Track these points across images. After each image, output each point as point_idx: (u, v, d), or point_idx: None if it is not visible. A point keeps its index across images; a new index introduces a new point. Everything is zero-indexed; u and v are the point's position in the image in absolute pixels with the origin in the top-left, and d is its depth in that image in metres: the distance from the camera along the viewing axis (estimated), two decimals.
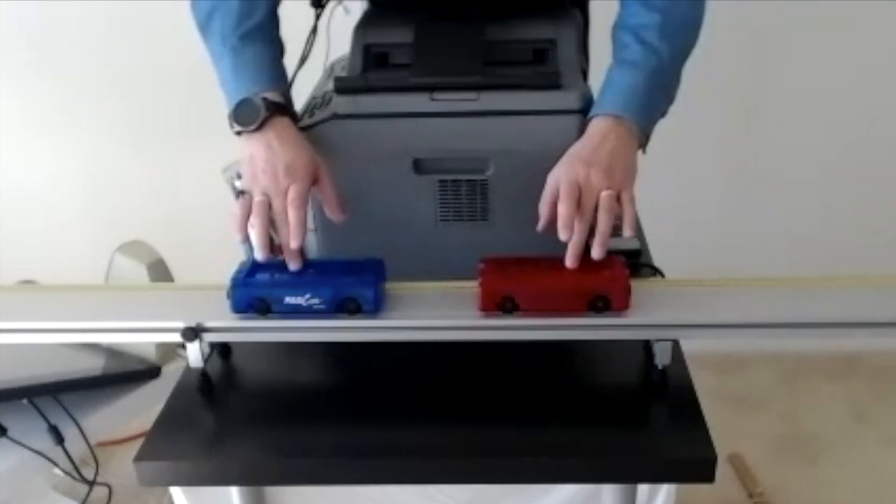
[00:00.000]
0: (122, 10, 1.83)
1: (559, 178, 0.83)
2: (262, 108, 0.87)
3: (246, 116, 0.87)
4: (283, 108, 0.89)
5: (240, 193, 0.85)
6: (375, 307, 0.83)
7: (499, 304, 0.82)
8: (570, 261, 0.82)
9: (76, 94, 1.97)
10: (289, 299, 0.82)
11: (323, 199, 0.88)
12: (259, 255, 0.83)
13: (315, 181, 0.86)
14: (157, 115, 1.92)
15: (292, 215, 0.82)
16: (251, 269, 0.85)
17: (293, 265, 0.84)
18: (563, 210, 0.81)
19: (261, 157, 0.85)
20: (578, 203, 0.81)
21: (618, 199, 0.83)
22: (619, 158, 0.85)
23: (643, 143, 0.90)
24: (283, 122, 0.88)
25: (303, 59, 1.07)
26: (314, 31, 1.07)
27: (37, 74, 1.96)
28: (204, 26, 0.95)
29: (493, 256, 0.86)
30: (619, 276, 0.82)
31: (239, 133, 0.88)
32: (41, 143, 2.06)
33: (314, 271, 0.85)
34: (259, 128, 0.86)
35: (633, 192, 0.85)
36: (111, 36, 1.90)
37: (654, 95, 0.90)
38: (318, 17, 1.07)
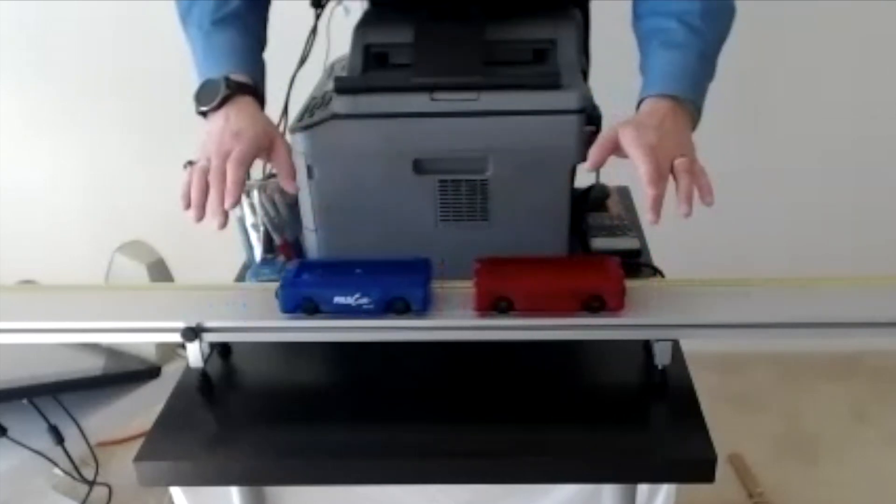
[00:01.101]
0: (122, 9, 1.84)
1: (628, 142, 0.82)
2: (223, 86, 0.87)
3: (207, 95, 0.88)
4: (246, 87, 0.90)
5: (188, 163, 0.85)
6: (424, 307, 0.83)
7: (494, 304, 0.82)
8: (652, 216, 0.79)
9: (76, 94, 1.97)
10: (338, 299, 0.82)
11: (275, 168, 0.88)
12: (192, 215, 0.81)
13: (270, 151, 0.87)
14: (157, 114, 1.92)
15: (229, 172, 0.80)
16: (299, 269, 0.85)
17: (216, 224, 0.81)
18: (648, 168, 0.78)
19: (216, 129, 0.85)
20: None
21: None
22: (683, 132, 0.85)
23: (696, 123, 0.90)
24: (244, 100, 0.88)
25: (303, 59, 1.07)
26: (314, 31, 1.07)
27: (37, 74, 1.96)
28: (184, 16, 0.96)
29: (488, 256, 0.86)
30: (614, 277, 0.82)
31: (203, 114, 0.88)
32: (41, 143, 2.06)
33: (359, 271, 0.85)
34: (219, 106, 0.87)
35: None
36: (111, 36, 1.91)
37: (703, 76, 0.91)
38: (318, 17, 1.07)
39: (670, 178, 0.81)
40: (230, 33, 0.94)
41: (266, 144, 0.86)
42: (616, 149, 0.84)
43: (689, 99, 0.88)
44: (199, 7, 0.95)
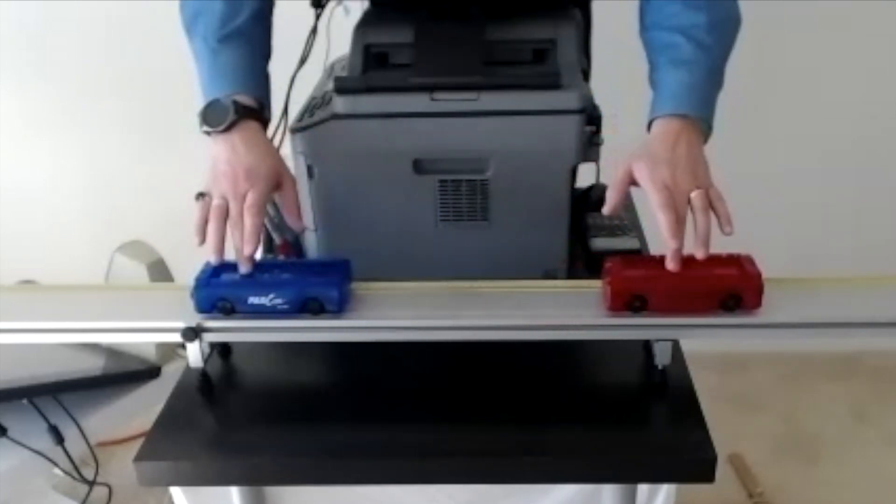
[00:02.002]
0: (122, 10, 1.83)
1: (644, 181, 0.82)
2: (231, 110, 0.87)
3: (214, 117, 0.87)
4: (253, 112, 0.90)
5: (199, 195, 0.85)
6: (339, 307, 0.83)
7: (628, 303, 0.81)
8: (671, 265, 0.80)
9: (76, 94, 1.97)
10: (253, 299, 0.82)
11: (282, 205, 0.88)
12: (212, 259, 0.83)
13: (278, 187, 0.87)
14: (157, 115, 1.92)
15: (248, 222, 0.82)
16: (215, 270, 0.85)
17: (244, 269, 0.84)
18: (667, 218, 0.79)
19: (223, 159, 0.86)
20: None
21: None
22: (696, 156, 0.85)
23: (707, 137, 0.90)
24: (250, 127, 0.88)
25: (303, 59, 1.07)
26: (314, 31, 1.07)
27: (37, 74, 1.96)
28: (189, 27, 0.96)
29: (619, 256, 0.86)
30: (753, 274, 0.81)
31: (207, 133, 0.88)
32: (41, 143, 2.06)
33: (278, 271, 0.85)
34: (226, 130, 0.87)
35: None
36: (111, 36, 1.90)
37: (712, 91, 0.91)
38: (318, 17, 1.07)
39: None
40: (237, 51, 0.94)
41: (277, 182, 0.87)
42: (632, 183, 0.84)
43: (699, 116, 0.88)
44: (204, 19, 0.94)
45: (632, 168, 0.84)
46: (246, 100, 0.90)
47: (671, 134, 0.86)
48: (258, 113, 0.91)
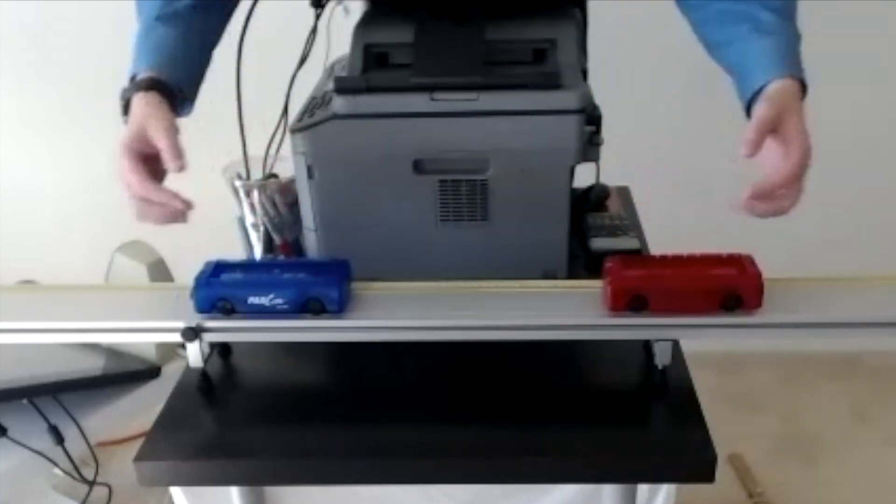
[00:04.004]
0: (122, 10, 1.83)
1: (795, 133, 0.82)
2: (122, 94, 0.91)
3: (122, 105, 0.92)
4: (151, 84, 0.90)
5: None
6: (340, 307, 0.83)
7: (629, 302, 0.81)
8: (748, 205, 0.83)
9: (76, 94, 1.97)
10: (252, 299, 0.82)
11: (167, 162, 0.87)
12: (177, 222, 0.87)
13: (148, 134, 0.87)
14: None
15: (155, 197, 0.85)
16: (215, 270, 0.85)
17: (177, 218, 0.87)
18: (796, 170, 0.81)
19: None
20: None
21: None
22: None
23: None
24: (138, 98, 0.90)
25: (303, 59, 1.07)
26: (314, 31, 1.07)
27: (37, 74, 1.96)
28: (138, 11, 0.97)
29: (619, 255, 0.86)
30: (752, 273, 0.81)
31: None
32: (41, 143, 2.06)
33: (279, 271, 0.85)
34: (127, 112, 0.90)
35: None
36: (111, 36, 1.90)
37: (800, 55, 0.90)
38: (318, 17, 1.07)
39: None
40: (169, 32, 0.94)
41: (144, 142, 0.87)
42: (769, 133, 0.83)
43: (804, 81, 0.87)
44: (149, 1, 0.96)
45: (784, 119, 0.83)
46: (153, 74, 0.91)
47: (795, 95, 0.85)
48: (157, 82, 0.91)
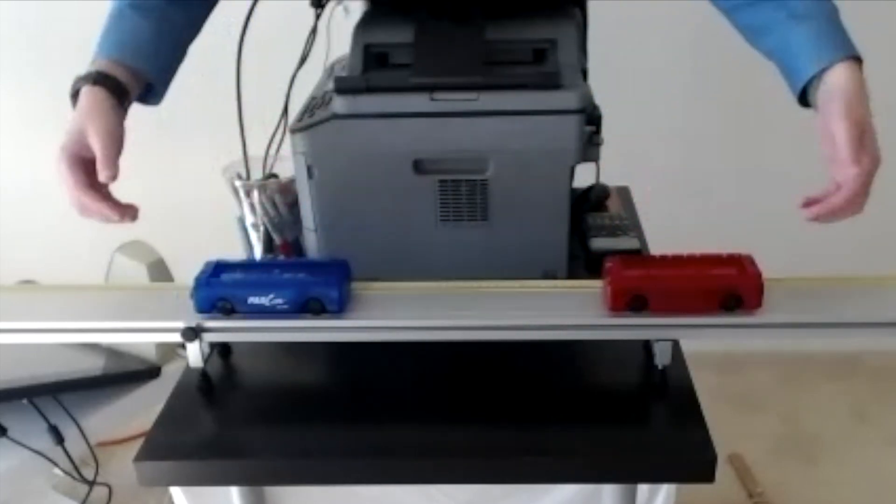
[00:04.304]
0: None
1: (869, 156, 0.83)
2: (70, 92, 0.90)
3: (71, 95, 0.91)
4: (96, 77, 0.89)
5: None
6: (340, 307, 0.83)
7: (629, 302, 0.81)
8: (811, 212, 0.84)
9: None
10: (252, 299, 0.82)
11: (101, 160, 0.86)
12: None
13: (89, 140, 0.87)
14: (156, 114, 1.92)
15: (90, 204, 0.85)
16: (215, 270, 0.85)
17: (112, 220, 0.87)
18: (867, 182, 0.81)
19: None
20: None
21: None
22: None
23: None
24: (82, 94, 0.90)
25: (303, 59, 1.07)
26: (314, 31, 1.07)
27: (37, 74, 1.96)
28: None
29: (619, 255, 0.86)
30: (752, 273, 0.81)
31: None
32: (41, 142, 2.05)
33: (279, 271, 0.85)
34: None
35: None
36: None
37: (842, 28, 0.88)
38: (318, 17, 1.07)
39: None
40: (139, 22, 0.92)
41: (83, 142, 0.86)
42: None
43: (853, 54, 0.86)
44: None
45: (864, 126, 0.83)
46: (110, 66, 0.90)
47: (857, 80, 0.85)
48: (108, 78, 0.90)
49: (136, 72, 0.91)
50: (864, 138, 0.82)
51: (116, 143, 0.86)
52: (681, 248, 0.86)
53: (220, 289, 0.82)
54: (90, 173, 0.86)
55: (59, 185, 0.86)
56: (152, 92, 0.94)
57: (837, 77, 0.85)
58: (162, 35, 0.94)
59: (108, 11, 0.94)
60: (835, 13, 0.88)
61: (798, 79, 0.88)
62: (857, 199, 0.82)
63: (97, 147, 0.85)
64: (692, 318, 0.81)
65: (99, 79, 0.89)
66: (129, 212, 0.86)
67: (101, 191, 0.86)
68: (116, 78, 0.90)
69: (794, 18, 0.87)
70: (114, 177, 0.85)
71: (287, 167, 1.01)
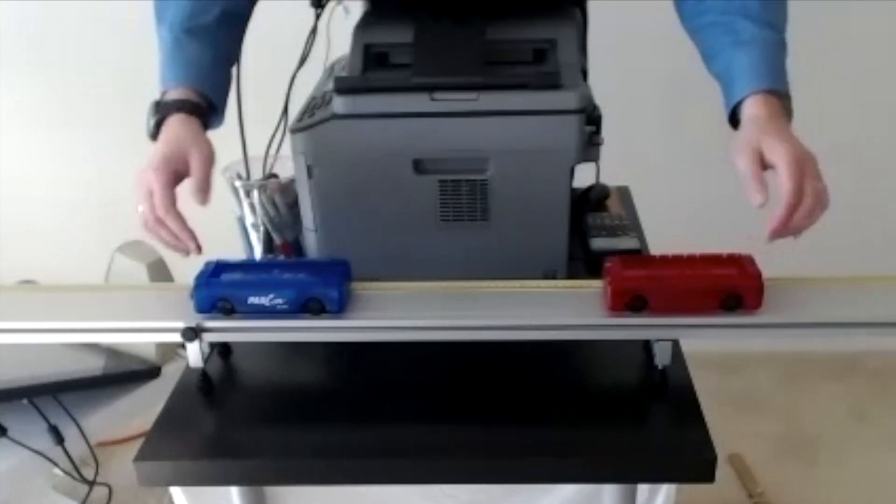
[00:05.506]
0: (122, 10, 1.83)
1: (778, 157, 0.81)
2: (152, 112, 0.91)
3: (148, 124, 0.91)
4: (188, 105, 0.91)
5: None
6: (339, 307, 0.83)
7: (629, 303, 0.81)
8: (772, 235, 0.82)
9: (76, 94, 1.97)
10: (252, 299, 0.82)
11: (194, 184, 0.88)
12: (175, 252, 0.86)
13: (188, 168, 0.87)
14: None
15: (170, 224, 0.85)
16: (215, 270, 0.85)
17: (187, 254, 0.87)
18: (800, 208, 0.81)
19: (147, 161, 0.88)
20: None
21: None
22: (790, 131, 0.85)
23: (790, 113, 0.90)
24: (173, 120, 0.90)
25: (303, 59, 1.07)
26: (314, 31, 1.07)
27: (37, 74, 1.96)
28: (159, 14, 0.97)
29: (619, 255, 0.86)
30: (753, 273, 0.81)
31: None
32: (41, 143, 2.06)
33: (279, 271, 0.85)
34: (157, 133, 0.90)
35: None
36: (111, 36, 1.90)
37: (783, 63, 0.90)
38: (318, 17, 1.07)
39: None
40: (198, 47, 0.95)
41: (181, 164, 0.87)
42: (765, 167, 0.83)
43: (784, 91, 0.88)
44: (174, 8, 0.95)
45: (762, 149, 0.82)
46: (188, 93, 0.91)
47: (772, 111, 0.86)
48: (195, 105, 0.91)
49: (204, 96, 0.94)
50: (766, 150, 0.83)
51: (212, 168, 0.89)
52: (681, 248, 0.86)
53: (220, 289, 0.82)
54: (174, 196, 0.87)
55: (142, 193, 0.86)
56: (214, 114, 0.96)
57: (748, 107, 0.88)
58: (218, 58, 0.97)
59: (162, 42, 0.97)
60: (776, 48, 0.90)
61: (727, 104, 0.90)
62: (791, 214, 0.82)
63: (198, 171, 0.87)
64: (692, 318, 0.81)
65: (185, 106, 0.91)
66: (196, 242, 0.86)
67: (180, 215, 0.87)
68: (199, 104, 0.92)
69: (737, 44, 0.90)
70: (207, 202, 0.87)
71: (287, 167, 1.01)
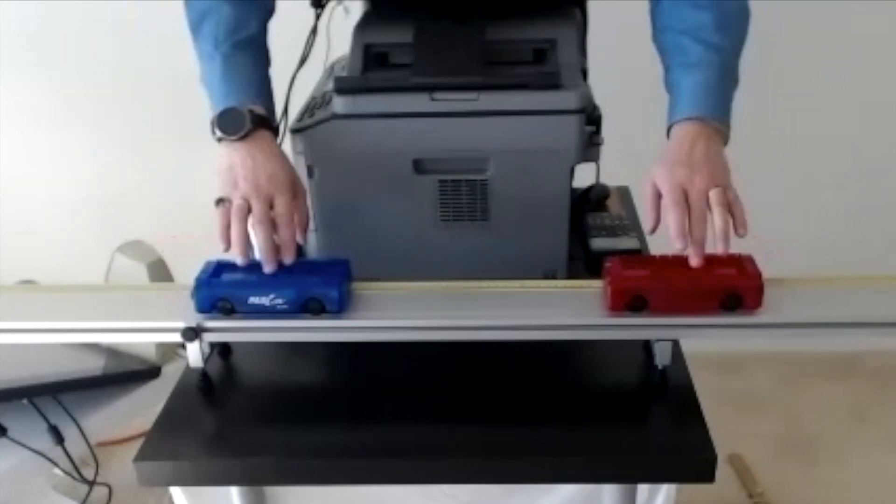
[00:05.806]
0: (122, 10, 1.84)
1: (661, 183, 0.83)
2: (248, 119, 0.87)
3: (231, 125, 0.87)
4: (266, 122, 0.90)
5: (219, 201, 0.85)
6: (340, 307, 0.83)
7: (629, 303, 0.81)
8: (695, 261, 0.81)
9: (77, 94, 1.97)
10: (253, 299, 0.82)
11: (297, 216, 0.87)
12: (239, 261, 0.83)
13: (294, 198, 0.86)
14: (157, 114, 1.92)
15: (283, 233, 0.83)
16: (215, 270, 0.85)
17: (268, 269, 0.83)
18: (674, 218, 0.80)
19: (241, 164, 0.85)
20: (688, 208, 0.81)
21: None
22: (714, 157, 0.85)
23: (727, 138, 0.90)
24: (265, 136, 0.88)
25: (303, 59, 1.07)
26: (314, 31, 1.08)
27: (37, 74, 1.96)
28: (195, 26, 0.96)
29: (619, 255, 0.86)
30: (753, 273, 0.81)
31: (220, 140, 0.88)
32: (41, 143, 2.06)
33: (279, 272, 0.85)
34: (242, 138, 0.86)
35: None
36: (111, 36, 1.90)
37: (727, 89, 0.91)
38: (318, 17, 1.08)
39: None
40: (249, 58, 0.94)
41: (294, 193, 0.87)
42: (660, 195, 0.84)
43: (715, 117, 0.88)
44: (211, 22, 0.94)
45: (653, 177, 0.84)
46: (259, 109, 0.90)
47: (688, 137, 0.86)
48: (269, 123, 0.91)
49: (270, 111, 0.94)
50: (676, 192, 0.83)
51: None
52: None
53: (220, 289, 0.82)
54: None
55: (237, 220, 0.82)
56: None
57: (673, 131, 0.88)
58: (265, 66, 0.97)
59: (205, 56, 0.95)
60: (723, 70, 0.90)
61: (667, 121, 0.90)
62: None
63: (305, 209, 0.87)
64: (692, 318, 0.81)
65: (259, 121, 0.89)
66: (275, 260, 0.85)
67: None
68: (271, 121, 0.92)
69: (683, 66, 0.91)
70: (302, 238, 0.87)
71: None
